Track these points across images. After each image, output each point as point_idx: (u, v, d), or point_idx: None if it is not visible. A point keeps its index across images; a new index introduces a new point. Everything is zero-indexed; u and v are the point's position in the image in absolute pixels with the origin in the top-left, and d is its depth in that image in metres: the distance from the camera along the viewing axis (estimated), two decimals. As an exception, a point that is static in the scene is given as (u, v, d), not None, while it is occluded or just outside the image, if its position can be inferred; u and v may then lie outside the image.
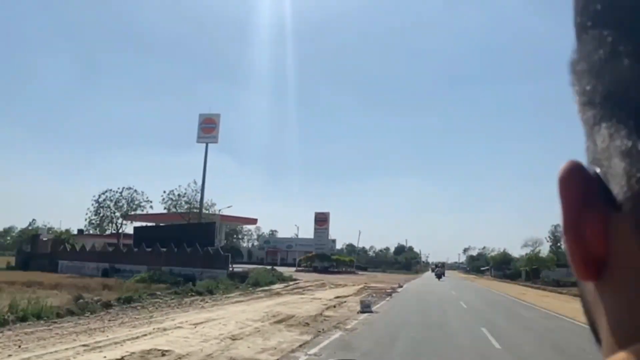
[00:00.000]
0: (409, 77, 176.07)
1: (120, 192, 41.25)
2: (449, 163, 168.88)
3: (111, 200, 41.22)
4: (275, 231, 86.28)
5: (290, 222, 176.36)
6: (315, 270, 53.05)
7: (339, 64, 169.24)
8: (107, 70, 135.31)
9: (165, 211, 41.82)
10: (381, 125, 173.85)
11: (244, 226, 76.86)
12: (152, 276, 26.85)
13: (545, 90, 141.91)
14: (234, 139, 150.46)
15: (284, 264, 62.42)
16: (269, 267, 35.98)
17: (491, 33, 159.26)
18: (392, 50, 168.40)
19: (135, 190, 41.94)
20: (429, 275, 71.42)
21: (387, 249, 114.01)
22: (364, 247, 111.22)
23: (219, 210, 42.60)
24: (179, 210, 40.69)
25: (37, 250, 43.33)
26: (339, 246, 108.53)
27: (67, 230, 45.27)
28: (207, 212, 41.06)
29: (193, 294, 20.09)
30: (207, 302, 17.72)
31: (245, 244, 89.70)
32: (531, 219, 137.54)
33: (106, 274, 32.15)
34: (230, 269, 31.92)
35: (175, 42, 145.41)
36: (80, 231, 51.93)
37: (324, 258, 57.11)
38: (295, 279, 32.14)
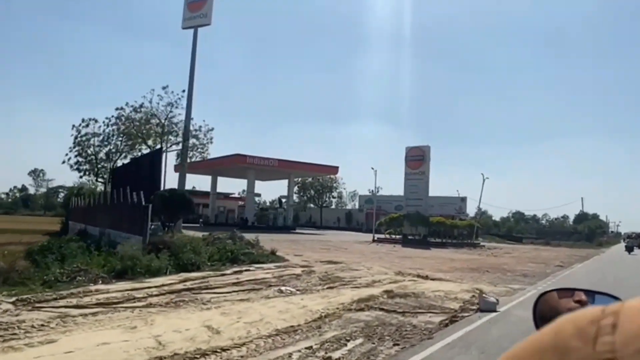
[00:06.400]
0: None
1: (108, 124, 28.33)
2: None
3: (94, 136, 28.38)
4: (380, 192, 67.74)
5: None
6: (405, 240, 32.15)
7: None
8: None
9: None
10: (557, 79, 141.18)
11: (338, 179, 62.15)
12: (45, 247, 16.26)
13: None
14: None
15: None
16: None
17: None
18: None
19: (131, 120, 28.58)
20: (618, 251, 43.73)
21: (565, 217, 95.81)
22: (535, 215, 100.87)
23: (209, 140, 27.80)
24: (147, 140, 26.79)
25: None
26: (504, 214, 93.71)
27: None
28: (196, 139, 26.59)
29: None
30: None
31: (347, 204, 74.46)
32: None
33: (79, 237, 22.22)
34: (161, 233, 17.26)
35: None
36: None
37: (417, 220, 33.12)
38: (284, 261, 15.45)
